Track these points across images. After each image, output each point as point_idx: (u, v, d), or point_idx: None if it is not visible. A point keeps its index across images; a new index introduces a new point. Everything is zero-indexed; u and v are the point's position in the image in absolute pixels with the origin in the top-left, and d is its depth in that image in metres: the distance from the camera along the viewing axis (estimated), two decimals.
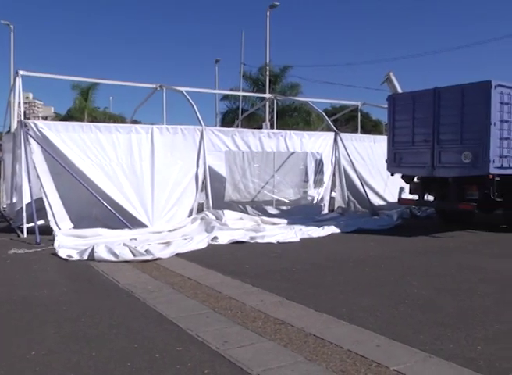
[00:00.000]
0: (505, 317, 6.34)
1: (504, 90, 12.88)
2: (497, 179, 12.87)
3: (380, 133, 25.46)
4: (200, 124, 14.29)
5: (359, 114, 20.88)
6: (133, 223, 12.56)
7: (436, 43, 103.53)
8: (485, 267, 9.44)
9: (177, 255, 10.23)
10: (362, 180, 16.65)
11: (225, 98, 44.49)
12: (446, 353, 5.06)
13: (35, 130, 12.30)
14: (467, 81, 13.24)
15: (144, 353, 5.03)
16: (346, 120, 35.16)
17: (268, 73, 38.45)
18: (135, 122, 19.71)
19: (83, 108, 47.65)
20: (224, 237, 11.82)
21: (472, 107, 12.95)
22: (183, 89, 15.37)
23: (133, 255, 9.73)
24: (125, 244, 10.24)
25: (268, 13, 36.66)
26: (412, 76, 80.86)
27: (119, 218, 12.32)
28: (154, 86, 16.13)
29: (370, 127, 44.38)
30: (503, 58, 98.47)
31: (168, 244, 11.02)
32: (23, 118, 13.93)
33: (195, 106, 14.63)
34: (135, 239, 11.43)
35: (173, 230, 12.74)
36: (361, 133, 20.15)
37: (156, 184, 13.22)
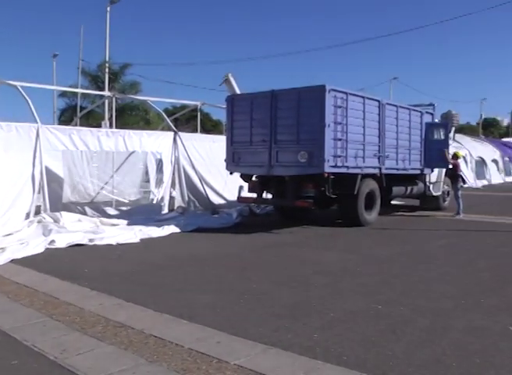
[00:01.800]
0: (338, 305, 6.78)
1: (337, 94, 13.61)
2: (332, 177, 13.59)
3: (220, 132, 25.97)
4: (36, 121, 13.65)
5: (199, 114, 21.13)
6: None
7: (276, 47, 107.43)
8: (320, 260, 9.99)
9: (12, 261, 9.68)
10: (202, 179, 16.81)
11: (63, 94, 42.98)
12: (284, 343, 5.31)
13: None
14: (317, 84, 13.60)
15: None
16: (187, 120, 35.35)
17: (107, 70, 37.64)
18: None
19: None
20: (62, 241, 11.39)
21: (308, 109, 13.51)
22: (17, 84, 14.52)
23: None
24: None
25: (108, 9, 35.79)
26: (252, 78, 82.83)
27: None
28: None
29: (210, 127, 45.12)
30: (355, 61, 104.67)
31: (2, 249, 10.40)
32: None
33: (30, 102, 13.93)
34: None
35: (9, 234, 12.03)
36: (201, 132, 20.46)
37: None
